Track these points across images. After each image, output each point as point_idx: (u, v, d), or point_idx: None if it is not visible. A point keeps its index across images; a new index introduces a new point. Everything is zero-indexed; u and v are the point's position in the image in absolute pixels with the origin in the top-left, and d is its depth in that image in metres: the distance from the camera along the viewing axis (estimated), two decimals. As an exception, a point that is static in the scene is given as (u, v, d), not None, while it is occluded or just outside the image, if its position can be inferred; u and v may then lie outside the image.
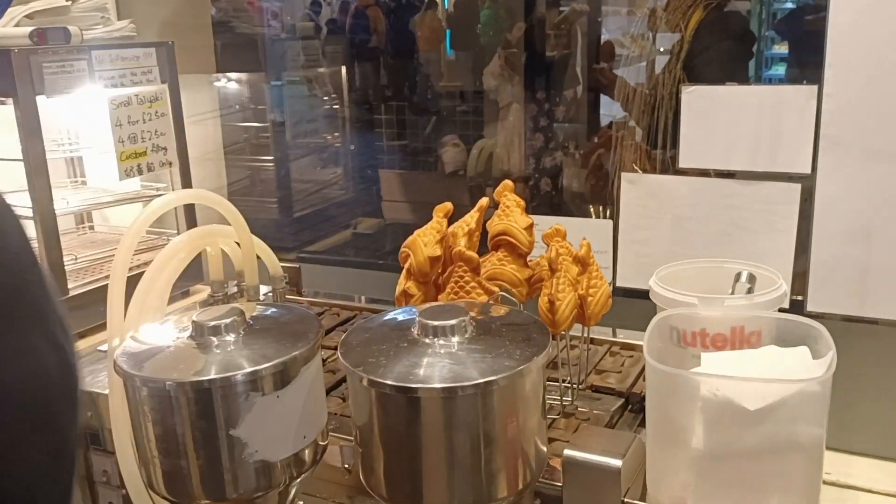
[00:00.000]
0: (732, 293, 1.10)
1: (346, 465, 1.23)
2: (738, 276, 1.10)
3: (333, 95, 2.69)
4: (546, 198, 2.58)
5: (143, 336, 1.04)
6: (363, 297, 1.95)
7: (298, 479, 1.00)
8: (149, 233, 2.11)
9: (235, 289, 1.48)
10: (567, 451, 1.01)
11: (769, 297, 1.08)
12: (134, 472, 1.19)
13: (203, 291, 1.98)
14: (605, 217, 2.38)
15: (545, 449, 0.97)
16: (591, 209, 2.44)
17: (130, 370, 0.94)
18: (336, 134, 2.74)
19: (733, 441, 0.91)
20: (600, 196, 2.28)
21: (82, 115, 2.06)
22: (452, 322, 0.94)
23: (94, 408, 1.52)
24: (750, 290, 1.08)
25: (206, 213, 2.00)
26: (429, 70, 3.11)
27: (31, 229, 1.67)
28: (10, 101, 1.59)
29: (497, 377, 0.87)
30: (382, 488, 0.94)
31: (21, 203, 1.70)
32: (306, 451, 0.99)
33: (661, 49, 2.48)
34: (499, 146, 2.79)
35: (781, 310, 1.13)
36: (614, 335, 1.54)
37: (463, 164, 2.89)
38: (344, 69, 2.66)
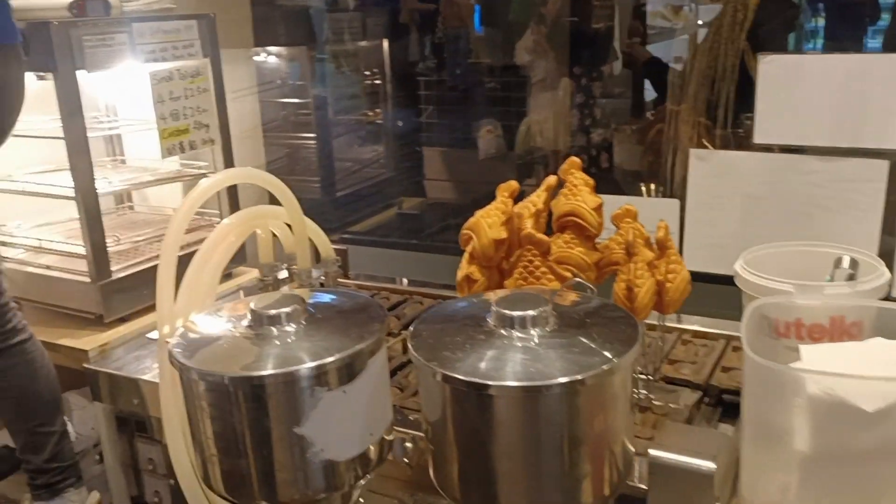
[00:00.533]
0: (831, 279, 1.01)
1: (406, 460, 1.16)
2: (839, 261, 1.01)
3: (375, 70, 2.61)
4: (595, 175, 2.49)
5: (197, 325, 0.97)
6: (405, 280, 1.88)
7: (364, 479, 0.93)
8: (190, 213, 2.05)
9: (285, 272, 1.42)
10: (653, 452, 0.94)
11: (873, 285, 0.99)
12: (185, 466, 1.14)
13: (246, 274, 1.93)
14: (657, 195, 2.28)
15: (633, 450, 0.89)
16: (644, 187, 2.34)
17: (187, 362, 0.88)
18: (377, 110, 2.66)
19: (845, 443, 0.83)
20: (657, 174, 2.18)
21: (120, 90, 2.00)
22: (532, 313, 0.86)
23: (139, 395, 1.48)
24: (852, 277, 0.99)
25: (248, 192, 1.94)
26: (463, 46, 3.02)
27: (73, 210, 1.62)
28: (49, 76, 1.53)
29: (584, 375, 0.79)
30: (456, 490, 0.87)
31: (63, 183, 1.65)
32: (372, 450, 0.93)
33: (700, 22, 2.36)
34: (545, 123, 2.69)
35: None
36: (679, 321, 1.46)
37: (498, 150, 2.81)
38: (385, 43, 2.58)
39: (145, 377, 1.46)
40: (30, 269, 1.72)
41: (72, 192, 1.58)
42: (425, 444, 1.09)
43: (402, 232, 2.42)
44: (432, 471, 0.90)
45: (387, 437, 0.96)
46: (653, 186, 2.34)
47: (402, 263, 2.17)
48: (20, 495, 1.59)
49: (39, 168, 1.85)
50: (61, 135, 1.56)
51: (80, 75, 1.55)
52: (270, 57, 2.50)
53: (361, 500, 1.03)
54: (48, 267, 1.71)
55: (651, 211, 1.36)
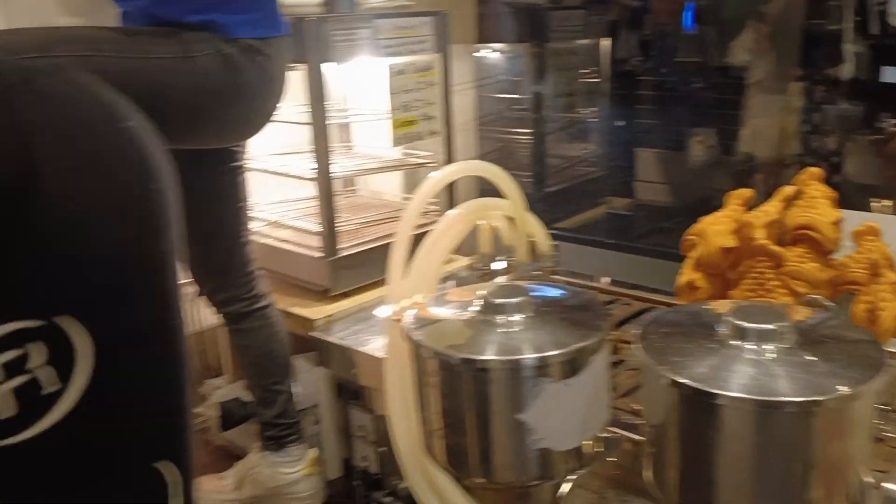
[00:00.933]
0: None
1: (614, 459, 1.17)
2: None
3: (592, 68, 2.61)
4: (819, 186, 2.33)
5: (429, 306, 1.04)
6: (603, 278, 1.87)
7: (576, 473, 0.95)
8: (405, 199, 2.17)
9: (501, 264, 1.46)
10: (888, 485, 0.88)
11: None
12: (404, 436, 1.21)
13: (456, 261, 2.00)
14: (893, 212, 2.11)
15: (871, 481, 0.84)
16: (877, 203, 2.16)
17: (421, 340, 0.94)
18: (593, 108, 2.65)
19: None
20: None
21: (352, 82, 2.15)
22: (770, 326, 0.84)
23: (356, 366, 1.59)
24: None
25: (461, 181, 2.02)
26: (671, 44, 2.93)
27: (312, 190, 1.76)
28: (298, 66, 1.67)
29: (824, 398, 0.76)
30: (674, 495, 0.87)
31: (304, 165, 1.81)
32: (587, 445, 0.95)
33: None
34: (765, 128, 2.56)
35: None
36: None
37: (710, 157, 2.70)
38: (604, 42, 2.56)
39: (363, 349, 1.57)
40: (268, 241, 1.89)
41: (312, 174, 1.72)
42: (633, 447, 1.10)
43: (607, 231, 2.40)
44: (651, 473, 0.90)
45: (601, 435, 0.98)
46: (887, 203, 2.16)
47: (606, 262, 2.16)
48: (247, 444, 1.76)
49: (271, 151, 2.04)
50: (302, 121, 1.71)
51: (324, 67, 1.68)
52: (491, 53, 2.57)
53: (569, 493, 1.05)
54: (284, 241, 1.87)
55: (892, 230, 1.26)
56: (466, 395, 0.92)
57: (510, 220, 1.37)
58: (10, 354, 0.36)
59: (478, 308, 0.98)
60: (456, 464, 0.97)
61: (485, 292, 0.98)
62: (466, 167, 1.28)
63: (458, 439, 0.94)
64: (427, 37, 1.84)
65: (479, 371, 0.90)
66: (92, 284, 0.41)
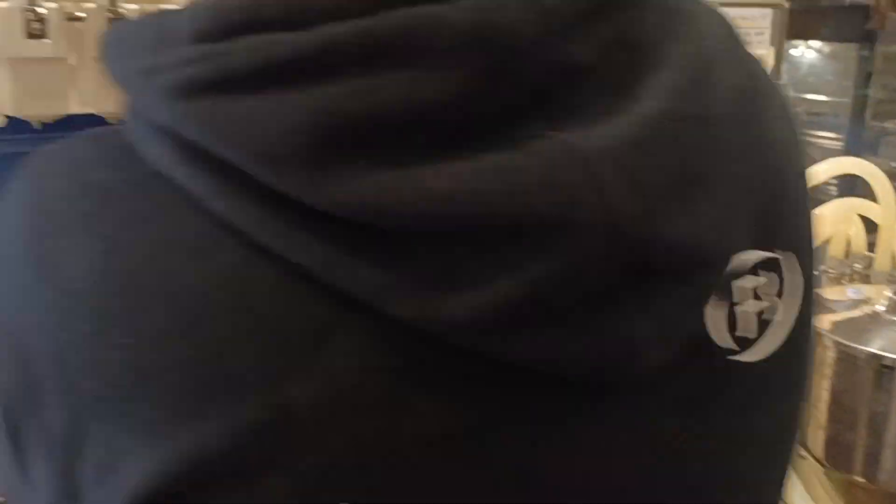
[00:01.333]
0: None
1: None
2: None
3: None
4: None
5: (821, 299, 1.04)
6: None
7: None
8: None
9: (847, 269, 1.42)
10: None
11: None
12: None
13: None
14: None
15: None
16: None
17: (822, 330, 0.94)
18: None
19: None
20: None
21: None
22: None
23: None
24: None
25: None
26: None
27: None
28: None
29: None
30: None
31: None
32: None
33: None
34: None
35: None
36: None
37: None
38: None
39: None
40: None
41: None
42: None
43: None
44: None
45: None
46: None
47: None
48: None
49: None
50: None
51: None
52: (805, 50, 2.47)
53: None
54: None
55: None
56: (867, 392, 0.91)
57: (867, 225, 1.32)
58: (756, 280, 0.40)
59: (882, 307, 0.96)
60: (835, 458, 0.96)
61: (890, 293, 0.97)
62: (844, 164, 1.25)
63: (844, 434, 0.94)
64: (764, 30, 1.80)
65: (886, 368, 0.89)
66: (803, 225, 0.45)
